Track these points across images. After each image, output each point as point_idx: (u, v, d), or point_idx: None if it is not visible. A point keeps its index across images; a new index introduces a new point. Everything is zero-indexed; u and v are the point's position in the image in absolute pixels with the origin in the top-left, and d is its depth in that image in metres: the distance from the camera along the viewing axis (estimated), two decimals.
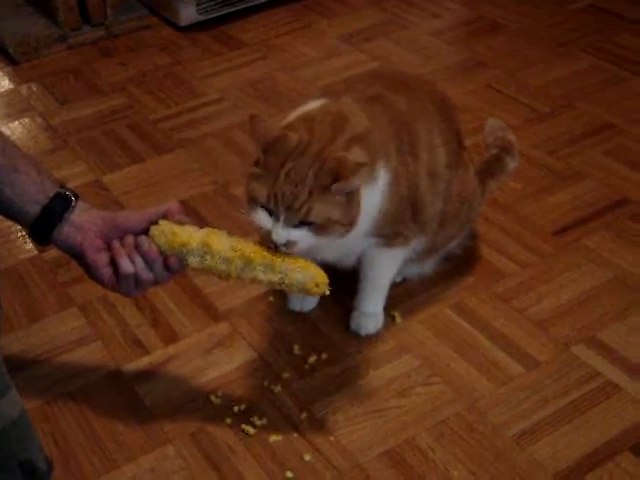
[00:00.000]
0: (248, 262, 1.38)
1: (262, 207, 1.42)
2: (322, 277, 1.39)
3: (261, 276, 1.39)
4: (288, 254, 1.41)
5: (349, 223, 1.44)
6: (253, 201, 1.43)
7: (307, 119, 1.51)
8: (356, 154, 1.46)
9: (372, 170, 1.50)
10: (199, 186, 2.19)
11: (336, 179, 1.38)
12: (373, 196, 1.52)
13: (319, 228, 1.41)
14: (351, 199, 1.42)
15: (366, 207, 1.48)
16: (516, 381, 1.62)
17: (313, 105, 1.58)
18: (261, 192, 1.41)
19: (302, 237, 1.41)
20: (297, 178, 1.39)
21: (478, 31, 2.88)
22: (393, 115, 1.60)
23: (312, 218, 1.40)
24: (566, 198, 2.08)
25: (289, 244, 1.41)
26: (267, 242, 1.42)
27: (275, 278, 1.39)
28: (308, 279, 1.38)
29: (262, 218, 1.43)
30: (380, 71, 2.50)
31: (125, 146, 2.38)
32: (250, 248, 1.39)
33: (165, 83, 2.68)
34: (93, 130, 2.46)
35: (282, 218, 1.40)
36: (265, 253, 1.39)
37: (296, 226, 1.41)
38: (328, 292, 1.41)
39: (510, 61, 2.68)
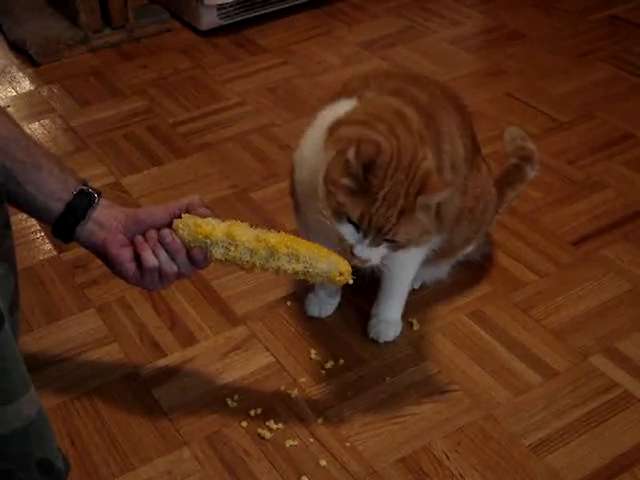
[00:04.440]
0: (272, 252, 1.37)
1: (351, 222, 1.41)
2: (345, 266, 1.38)
3: (285, 266, 1.38)
4: (311, 244, 1.40)
5: (426, 235, 1.46)
6: (342, 215, 1.40)
7: (378, 119, 1.45)
8: (430, 160, 1.45)
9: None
10: (218, 190, 2.19)
11: (419, 192, 1.38)
12: None
13: (399, 246, 1.44)
14: (429, 213, 1.43)
15: None
16: (533, 390, 1.61)
17: (347, 105, 1.53)
18: (355, 210, 1.38)
19: (381, 253, 1.44)
20: (392, 200, 1.38)
21: (498, 39, 2.88)
22: (418, 107, 1.57)
23: (398, 239, 1.41)
24: (585, 208, 2.07)
25: (368, 260, 1.43)
26: (347, 253, 1.42)
27: (299, 267, 1.38)
28: (332, 268, 1.37)
29: (348, 232, 1.41)
30: (391, 70, 2.50)
31: (144, 149, 2.38)
32: (274, 238, 1.38)
33: (185, 87, 2.69)
34: (113, 132, 2.47)
35: (370, 238, 1.40)
36: (289, 243, 1.38)
37: (379, 244, 1.42)
38: (352, 281, 1.39)
39: (530, 70, 2.67)
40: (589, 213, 2.05)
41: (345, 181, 1.38)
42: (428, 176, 1.38)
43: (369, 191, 1.37)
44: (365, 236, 1.40)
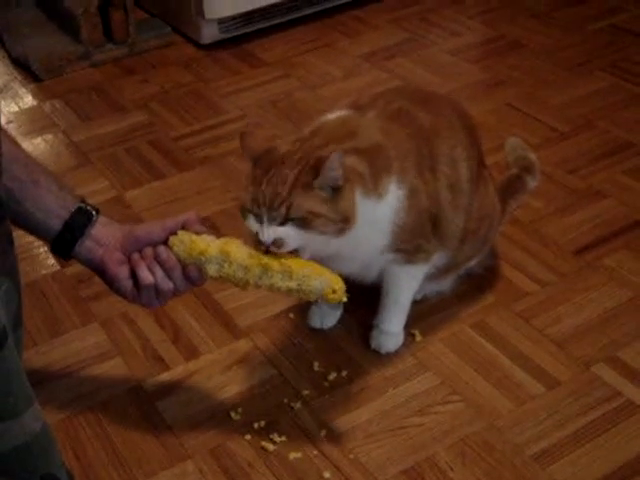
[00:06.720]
0: (266, 269, 1.39)
1: (249, 212, 1.44)
2: (339, 283, 1.39)
3: (279, 283, 1.39)
4: (305, 261, 1.41)
5: (341, 220, 1.44)
6: (243, 209, 1.45)
7: (315, 131, 1.54)
8: (352, 162, 1.48)
9: (374, 184, 1.50)
10: (220, 203, 2.20)
11: (317, 174, 1.40)
12: (382, 211, 1.52)
13: (304, 223, 1.41)
14: (340, 196, 1.42)
15: (377, 222, 1.52)
16: (536, 400, 1.62)
17: (332, 116, 1.61)
18: (247, 198, 1.43)
19: (288, 234, 1.41)
20: (278, 180, 1.41)
21: (498, 50, 2.89)
22: (414, 129, 1.60)
23: (293, 213, 1.40)
24: (586, 217, 2.07)
25: (277, 242, 1.40)
26: (258, 245, 1.42)
27: (292, 285, 1.39)
28: (325, 285, 1.38)
29: (250, 223, 1.44)
30: (405, 86, 2.51)
31: (146, 163, 2.39)
32: (268, 256, 1.40)
33: (187, 100, 2.70)
34: (115, 147, 2.48)
35: (265, 218, 1.41)
36: (282, 260, 1.39)
37: (281, 224, 1.41)
38: (345, 299, 1.40)
39: (530, 80, 2.68)
40: (590, 222, 2.06)
41: (244, 180, 1.46)
42: (321, 160, 1.40)
43: (257, 180, 1.43)
44: (260, 217, 1.42)
